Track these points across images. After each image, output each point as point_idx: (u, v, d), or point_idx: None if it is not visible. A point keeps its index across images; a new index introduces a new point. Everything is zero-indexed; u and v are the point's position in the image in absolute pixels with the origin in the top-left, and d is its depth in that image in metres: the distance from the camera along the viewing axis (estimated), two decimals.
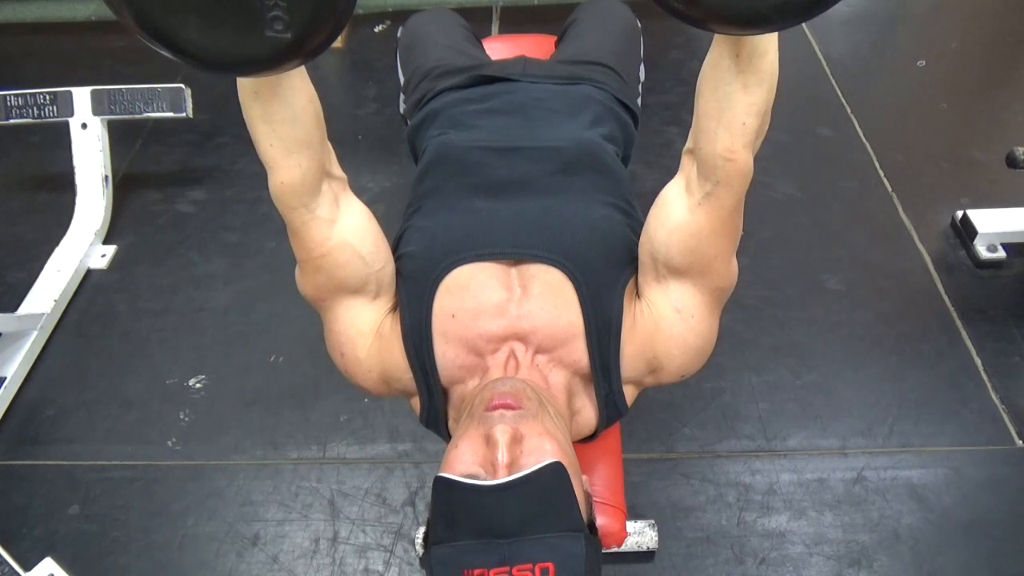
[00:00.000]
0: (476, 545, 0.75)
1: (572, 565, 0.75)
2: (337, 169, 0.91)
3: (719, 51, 0.76)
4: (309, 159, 0.83)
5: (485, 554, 0.74)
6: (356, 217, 0.91)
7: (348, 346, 0.95)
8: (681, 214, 0.86)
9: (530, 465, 0.78)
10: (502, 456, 0.78)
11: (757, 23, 0.65)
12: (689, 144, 0.85)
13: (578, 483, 0.82)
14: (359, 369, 0.96)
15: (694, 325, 0.92)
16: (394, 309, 0.97)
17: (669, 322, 0.92)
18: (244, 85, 0.77)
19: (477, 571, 0.73)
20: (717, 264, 0.90)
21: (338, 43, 2.98)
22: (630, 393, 0.97)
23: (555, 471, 0.79)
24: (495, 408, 0.83)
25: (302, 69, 0.78)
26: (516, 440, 0.80)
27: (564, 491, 0.79)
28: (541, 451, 0.79)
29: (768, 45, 0.75)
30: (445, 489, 0.80)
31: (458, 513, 0.78)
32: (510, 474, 0.77)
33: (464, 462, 0.80)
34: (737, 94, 0.77)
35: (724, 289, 0.93)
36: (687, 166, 0.86)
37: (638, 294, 0.96)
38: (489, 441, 0.80)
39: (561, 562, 0.74)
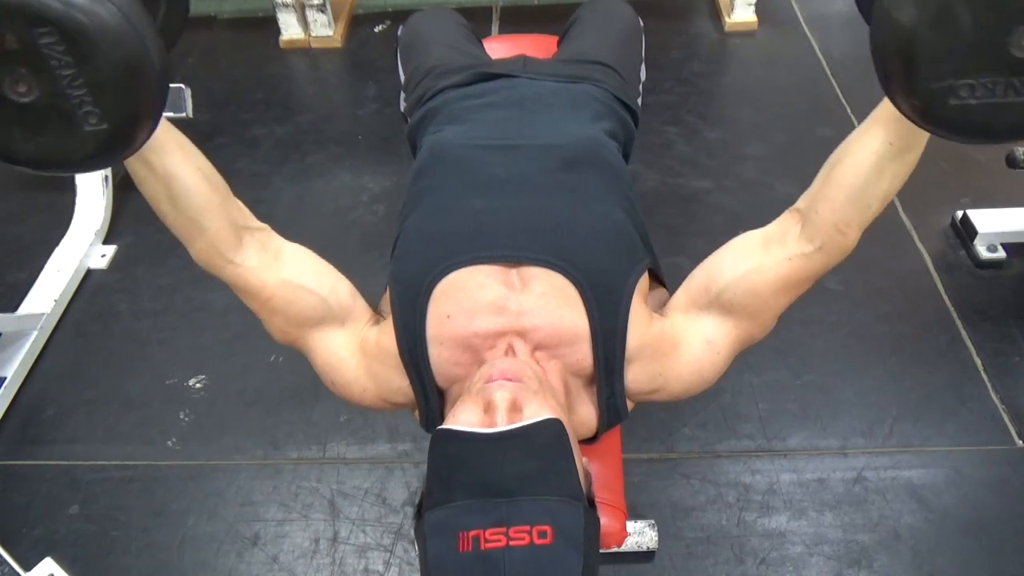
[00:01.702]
0: (472, 505, 0.74)
1: (571, 531, 0.73)
2: (254, 221, 0.95)
3: (876, 134, 0.80)
4: (215, 220, 0.88)
5: (482, 514, 0.73)
6: (287, 255, 0.95)
7: (334, 374, 0.97)
8: (765, 261, 0.89)
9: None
10: (501, 419, 0.78)
11: (978, 135, 0.67)
12: (801, 205, 0.89)
13: (578, 458, 0.81)
14: (353, 391, 0.97)
15: (716, 360, 0.93)
16: (375, 323, 0.98)
17: (693, 349, 0.93)
18: (132, 172, 0.85)
19: (473, 532, 0.72)
20: (768, 316, 0.92)
21: (338, 43, 2.98)
22: (628, 404, 0.96)
23: (554, 427, 0.79)
24: (495, 380, 0.82)
25: (180, 141, 0.86)
26: (515, 408, 0.80)
27: (564, 452, 0.79)
28: (541, 414, 0.79)
29: (922, 142, 0.79)
30: (443, 441, 0.79)
31: (455, 468, 0.77)
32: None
33: (462, 425, 0.80)
34: (876, 178, 0.81)
35: (756, 338, 0.95)
36: (789, 222, 0.89)
37: (661, 310, 0.96)
38: (488, 407, 0.80)
39: (560, 527, 0.72)
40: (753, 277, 0.89)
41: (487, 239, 0.95)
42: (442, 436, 0.80)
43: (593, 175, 1.06)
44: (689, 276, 0.96)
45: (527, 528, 0.71)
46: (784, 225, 0.90)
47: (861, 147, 0.82)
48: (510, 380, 0.82)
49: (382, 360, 0.95)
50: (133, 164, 0.85)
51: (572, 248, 0.94)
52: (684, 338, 0.93)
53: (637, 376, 0.93)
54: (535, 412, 0.79)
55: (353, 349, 0.96)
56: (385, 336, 0.95)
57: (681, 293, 0.96)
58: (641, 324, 0.93)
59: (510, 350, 0.90)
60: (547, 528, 0.72)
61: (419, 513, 0.79)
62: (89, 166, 0.73)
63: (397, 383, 0.95)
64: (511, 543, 0.71)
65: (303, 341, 0.97)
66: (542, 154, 1.06)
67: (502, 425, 0.77)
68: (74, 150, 0.69)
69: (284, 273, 0.93)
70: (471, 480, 0.75)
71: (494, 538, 0.71)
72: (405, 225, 1.04)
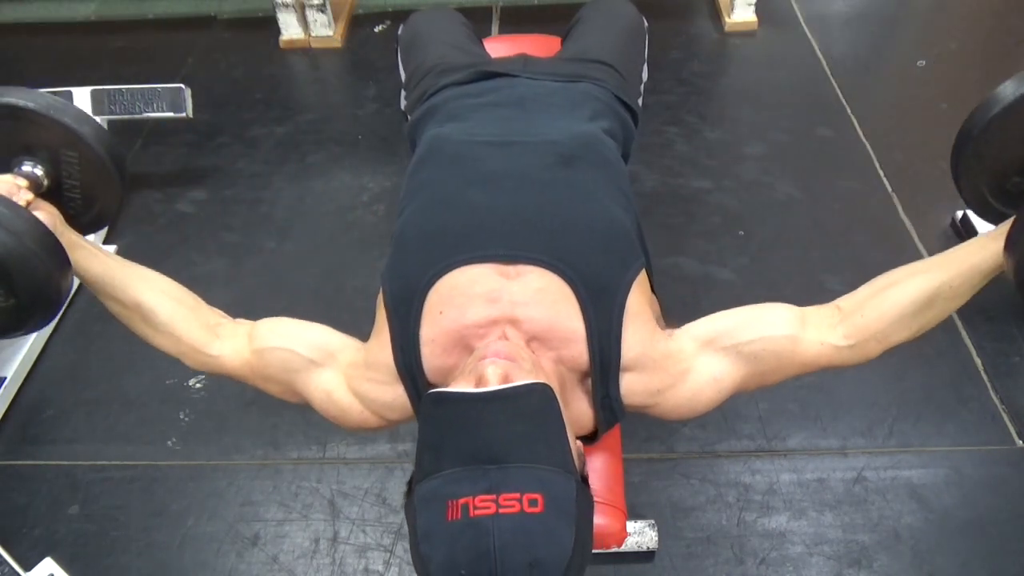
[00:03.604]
0: (462, 473, 0.73)
1: (563, 502, 0.72)
2: (227, 318, 1.07)
3: (941, 274, 0.91)
4: (186, 327, 1.01)
5: (471, 482, 0.72)
6: (256, 331, 1.02)
7: (331, 408, 0.98)
8: (801, 335, 0.93)
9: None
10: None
11: None
12: (843, 305, 0.96)
13: (572, 436, 0.81)
14: (353, 418, 0.98)
15: (714, 397, 0.95)
16: (359, 349, 0.99)
17: (700, 381, 0.94)
18: (110, 309, 1.03)
19: (462, 500, 0.71)
20: (775, 379, 0.96)
21: (338, 43, 2.98)
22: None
23: (545, 392, 0.79)
24: (487, 358, 0.83)
25: (142, 274, 1.02)
26: (507, 381, 0.80)
27: (554, 418, 0.79)
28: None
29: (972, 293, 0.92)
30: (433, 405, 0.80)
31: (445, 432, 0.77)
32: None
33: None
34: (925, 308, 0.91)
35: (750, 390, 0.98)
36: (829, 313, 0.96)
37: (662, 323, 0.96)
38: (480, 381, 0.80)
39: (551, 497, 0.71)
40: (785, 343, 0.93)
41: (483, 238, 0.95)
42: (432, 399, 0.80)
43: (591, 172, 1.06)
44: (717, 314, 0.97)
45: (517, 496, 0.70)
46: (825, 314, 0.96)
47: (922, 279, 0.92)
48: (503, 359, 0.82)
49: (371, 377, 0.95)
50: (107, 303, 1.03)
51: (568, 248, 0.94)
52: (694, 368, 0.94)
53: (634, 388, 0.93)
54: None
55: (339, 380, 0.97)
56: (374, 350, 0.96)
57: (702, 326, 0.96)
58: (643, 332, 0.93)
59: (503, 338, 0.89)
60: (538, 496, 0.71)
61: (409, 491, 0.79)
62: (19, 330, 0.92)
63: (390, 396, 0.95)
64: (500, 510, 0.70)
65: (301, 391, 1.00)
66: (539, 150, 1.06)
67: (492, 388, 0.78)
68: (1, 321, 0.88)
69: (255, 344, 1.01)
70: (461, 445, 0.75)
71: (483, 505, 0.70)
72: (402, 220, 1.04)
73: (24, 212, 0.86)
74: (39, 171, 0.98)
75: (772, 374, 0.95)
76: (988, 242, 0.91)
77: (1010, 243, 0.85)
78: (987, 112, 0.89)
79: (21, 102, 0.94)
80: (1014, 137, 0.89)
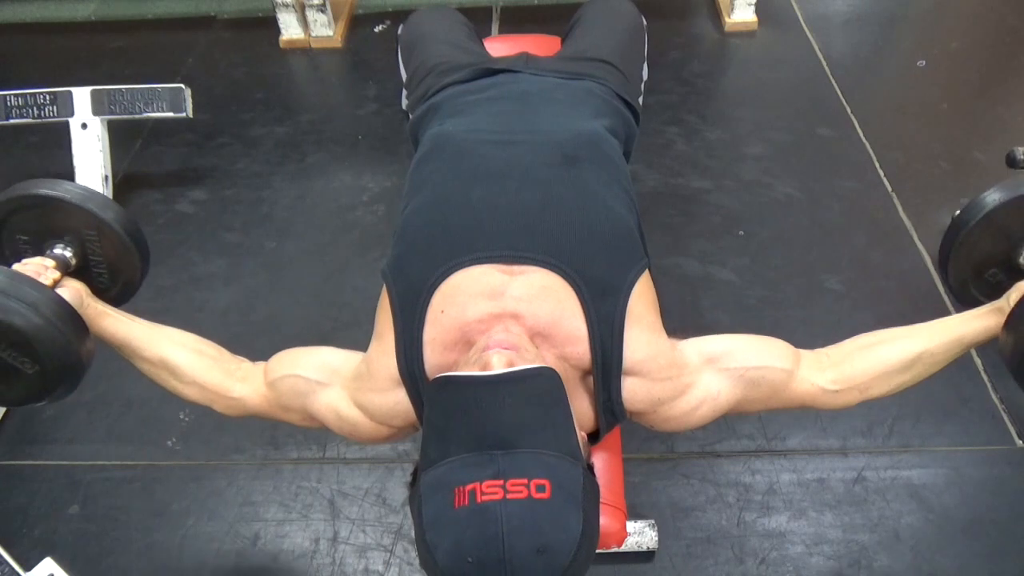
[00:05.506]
0: (469, 458, 0.73)
1: (570, 488, 0.72)
2: (246, 362, 1.10)
3: (924, 341, 0.96)
4: (209, 376, 1.06)
5: (478, 467, 0.72)
6: (268, 367, 1.06)
7: (343, 424, 0.99)
8: (796, 372, 0.97)
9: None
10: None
11: None
12: (833, 354, 1.00)
13: (577, 425, 0.82)
14: (365, 430, 0.98)
15: (707, 414, 0.96)
16: (359, 361, 0.99)
17: (698, 394, 0.95)
18: (140, 368, 1.08)
19: (469, 486, 0.71)
20: (762, 407, 1.00)
21: (338, 43, 2.98)
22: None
23: (551, 376, 0.80)
24: (491, 348, 0.83)
25: (166, 333, 1.08)
26: (511, 367, 0.80)
27: (560, 403, 0.79)
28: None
29: (950, 361, 0.98)
30: (439, 389, 0.80)
31: (452, 417, 0.77)
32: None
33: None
34: (906, 368, 0.97)
35: (734, 413, 0.99)
36: (819, 360, 1.00)
37: (673, 340, 0.97)
38: (484, 368, 0.80)
39: (558, 482, 0.71)
40: (781, 376, 0.96)
41: (486, 238, 0.95)
42: (439, 383, 0.80)
43: (593, 171, 1.06)
44: (721, 335, 0.99)
45: (524, 481, 0.70)
46: (816, 358, 1.00)
47: (908, 342, 0.97)
48: (507, 349, 0.83)
49: (372, 387, 0.95)
50: (136, 363, 1.08)
51: (570, 249, 0.94)
52: (696, 383, 0.95)
53: (638, 394, 0.93)
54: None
55: (344, 396, 0.98)
56: (375, 356, 0.96)
57: (707, 344, 0.98)
58: (647, 337, 0.93)
59: (507, 332, 0.89)
60: (545, 482, 0.71)
61: (414, 480, 0.79)
62: (46, 397, 0.99)
63: (391, 401, 0.95)
64: (508, 496, 0.70)
65: (315, 417, 1.01)
66: (543, 149, 1.06)
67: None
68: (31, 389, 0.97)
69: (268, 378, 1.04)
70: (468, 430, 0.75)
71: (491, 490, 0.70)
72: (404, 217, 1.05)
73: (47, 290, 0.95)
74: (68, 252, 1.09)
75: (760, 402, 0.97)
76: (970, 319, 0.98)
77: (1011, 323, 0.94)
78: (976, 213, 1.03)
79: (49, 192, 1.05)
80: (995, 236, 1.04)
